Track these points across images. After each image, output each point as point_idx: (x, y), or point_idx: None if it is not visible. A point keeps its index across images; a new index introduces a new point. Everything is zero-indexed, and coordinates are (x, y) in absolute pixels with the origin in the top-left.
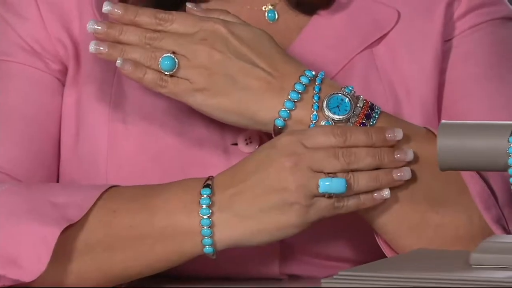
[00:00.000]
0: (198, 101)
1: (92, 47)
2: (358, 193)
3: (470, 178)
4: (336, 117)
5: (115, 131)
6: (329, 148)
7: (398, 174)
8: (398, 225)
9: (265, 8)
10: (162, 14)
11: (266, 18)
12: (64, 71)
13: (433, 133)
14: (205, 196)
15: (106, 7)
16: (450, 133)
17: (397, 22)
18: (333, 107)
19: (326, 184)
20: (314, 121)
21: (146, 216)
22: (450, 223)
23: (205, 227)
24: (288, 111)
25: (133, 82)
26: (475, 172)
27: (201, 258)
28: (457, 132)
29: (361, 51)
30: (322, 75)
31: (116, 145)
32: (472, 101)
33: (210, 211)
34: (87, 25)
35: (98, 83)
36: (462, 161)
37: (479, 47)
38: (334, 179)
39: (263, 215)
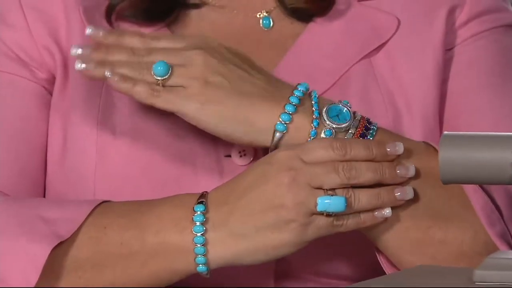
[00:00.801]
0: (193, 108)
1: (78, 65)
2: (358, 211)
3: (473, 193)
4: (336, 125)
5: (104, 143)
6: (329, 162)
7: (399, 193)
8: (400, 241)
9: (259, 15)
10: (147, 34)
11: (261, 25)
12: (52, 80)
13: (433, 147)
14: (198, 213)
15: (88, 31)
16: (452, 145)
17: (396, 30)
18: (333, 116)
19: (325, 202)
20: (315, 127)
21: (137, 232)
22: (454, 239)
23: (199, 245)
24: (289, 114)
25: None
26: (478, 186)
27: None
28: (459, 144)
29: (359, 60)
30: (315, 92)
31: (105, 157)
32: (474, 112)
33: (204, 228)
34: (70, 49)
35: (86, 94)
36: (465, 174)
37: (482, 56)
38: (334, 197)
39: (259, 233)
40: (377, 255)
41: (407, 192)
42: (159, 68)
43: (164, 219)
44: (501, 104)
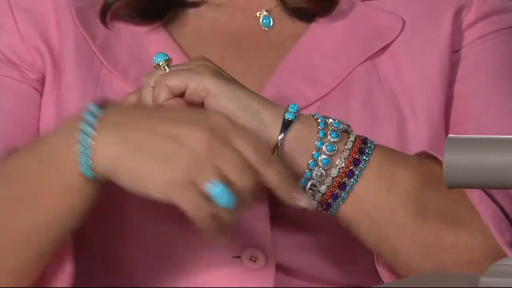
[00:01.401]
0: (207, 78)
1: None
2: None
3: (479, 202)
4: (338, 120)
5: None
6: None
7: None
8: (410, 245)
9: (259, 14)
10: None
11: (261, 25)
12: (42, 80)
13: (431, 155)
14: (91, 111)
15: None
16: (457, 148)
17: (401, 31)
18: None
19: (213, 186)
20: (320, 120)
21: (33, 152)
22: (464, 244)
23: (84, 145)
24: (295, 107)
25: (117, 94)
26: (484, 194)
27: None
28: (465, 147)
29: (363, 61)
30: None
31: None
32: (482, 116)
33: (93, 129)
34: None
35: (80, 94)
36: (471, 178)
37: (490, 59)
38: (223, 191)
39: (147, 154)
40: (377, 266)
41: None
42: (160, 58)
43: (56, 131)
44: (510, 108)
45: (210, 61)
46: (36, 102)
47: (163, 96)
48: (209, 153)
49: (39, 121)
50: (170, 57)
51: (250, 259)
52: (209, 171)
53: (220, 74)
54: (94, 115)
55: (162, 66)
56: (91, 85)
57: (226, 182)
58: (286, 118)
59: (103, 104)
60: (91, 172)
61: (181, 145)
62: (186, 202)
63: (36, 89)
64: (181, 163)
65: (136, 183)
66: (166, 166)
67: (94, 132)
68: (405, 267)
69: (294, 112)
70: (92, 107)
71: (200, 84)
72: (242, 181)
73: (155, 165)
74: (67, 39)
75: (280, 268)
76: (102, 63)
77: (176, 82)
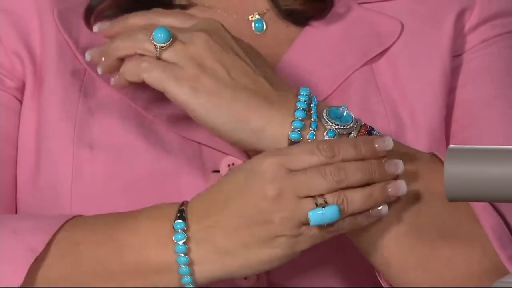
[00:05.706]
0: (184, 92)
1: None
2: (352, 215)
3: (482, 212)
4: (339, 126)
5: (81, 157)
6: (314, 167)
7: (391, 189)
8: (404, 258)
9: (251, 17)
10: (154, 10)
11: (253, 28)
12: (22, 88)
13: (440, 159)
14: (179, 231)
15: (95, 29)
16: (459, 159)
17: (400, 35)
18: (334, 118)
19: (318, 215)
20: (313, 130)
21: (114, 250)
22: (462, 257)
23: (183, 266)
24: (300, 121)
25: (101, 101)
26: (488, 204)
27: None
28: (467, 158)
29: (360, 67)
30: (315, 98)
31: (82, 175)
32: (485, 125)
33: (187, 248)
34: (86, 54)
35: (62, 100)
36: (473, 191)
37: (493, 64)
38: (326, 209)
39: (247, 250)
40: (378, 277)
41: (400, 187)
42: (159, 36)
43: (142, 236)
44: None
45: (216, 33)
46: (16, 111)
47: (135, 79)
48: (283, 200)
49: (19, 130)
50: (171, 39)
51: None
52: (298, 208)
53: (212, 72)
54: (184, 233)
55: (156, 49)
56: (73, 92)
57: (315, 200)
58: (290, 139)
59: (184, 213)
60: (192, 286)
61: (266, 223)
62: (312, 242)
63: (16, 98)
64: (278, 236)
65: (253, 274)
66: (271, 247)
67: (190, 253)
68: (397, 278)
69: (299, 129)
70: (178, 225)
71: (176, 97)
72: (321, 186)
73: (261, 252)
74: (49, 44)
75: (272, 286)
76: (86, 68)
77: (153, 81)
